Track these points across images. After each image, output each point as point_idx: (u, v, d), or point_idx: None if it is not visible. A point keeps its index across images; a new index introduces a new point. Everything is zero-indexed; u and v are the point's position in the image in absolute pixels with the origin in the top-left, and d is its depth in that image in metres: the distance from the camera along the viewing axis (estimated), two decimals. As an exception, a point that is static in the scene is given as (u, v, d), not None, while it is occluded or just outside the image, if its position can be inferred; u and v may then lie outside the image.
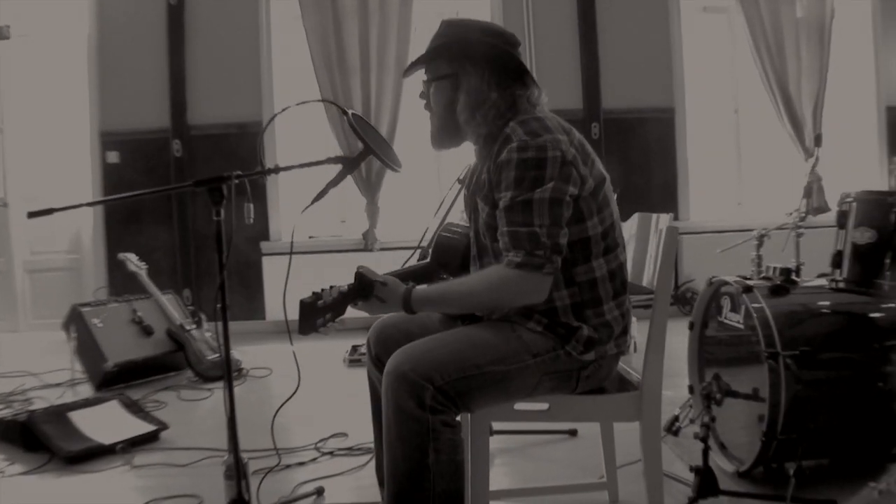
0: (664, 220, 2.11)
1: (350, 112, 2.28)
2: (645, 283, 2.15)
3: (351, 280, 1.99)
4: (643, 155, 6.01)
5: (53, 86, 6.03)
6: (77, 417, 3.22)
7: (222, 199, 2.29)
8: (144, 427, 3.30)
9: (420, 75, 2.16)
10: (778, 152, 6.25)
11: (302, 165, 2.36)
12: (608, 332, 1.97)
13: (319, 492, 2.73)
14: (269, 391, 4.22)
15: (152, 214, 5.66)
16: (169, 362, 4.44)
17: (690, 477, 2.47)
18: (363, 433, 3.27)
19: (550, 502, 2.56)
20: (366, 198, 5.80)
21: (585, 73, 6.01)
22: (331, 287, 1.92)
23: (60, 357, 4.48)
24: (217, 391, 4.17)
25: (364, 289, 1.92)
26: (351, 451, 3.15)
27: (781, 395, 2.41)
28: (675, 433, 3.13)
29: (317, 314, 1.87)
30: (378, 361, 2.26)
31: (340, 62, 5.73)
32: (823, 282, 2.64)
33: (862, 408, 2.54)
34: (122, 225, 5.62)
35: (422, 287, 1.96)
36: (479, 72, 2.01)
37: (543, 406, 2.01)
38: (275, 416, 2.51)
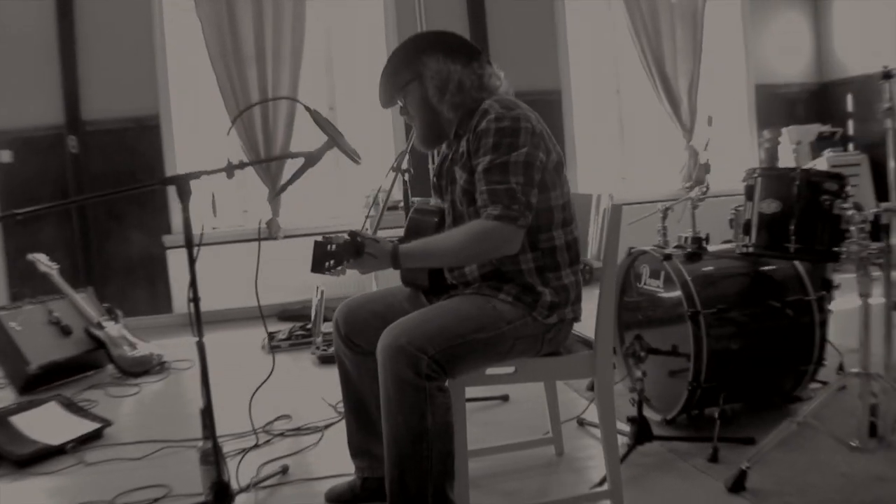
0: (605, 199, 2.36)
1: (312, 109, 2.41)
2: (589, 256, 2.39)
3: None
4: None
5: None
6: (19, 421, 3.18)
7: (190, 195, 2.36)
8: (88, 425, 3.30)
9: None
10: (657, 130, 6.71)
11: (268, 160, 2.47)
12: (566, 296, 2.20)
13: (284, 470, 2.84)
14: (195, 382, 4.24)
15: (51, 213, 5.50)
16: (89, 361, 4.38)
17: (626, 428, 2.78)
18: (305, 415, 3.43)
19: (505, 459, 2.78)
20: (267, 187, 5.84)
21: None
22: (333, 234, 2.10)
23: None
24: (145, 386, 4.19)
25: (356, 246, 2.06)
26: (300, 430, 3.28)
27: (703, 348, 2.73)
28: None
29: (326, 257, 2.06)
30: (349, 341, 2.41)
31: (236, 52, 5.71)
32: (731, 247, 2.99)
33: (769, 356, 2.91)
34: (20, 224, 5.43)
35: (406, 243, 2.14)
36: (435, 57, 2.22)
37: (510, 370, 2.23)
38: (252, 399, 2.60)
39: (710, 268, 2.93)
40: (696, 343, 2.73)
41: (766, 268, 2.95)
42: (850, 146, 6.53)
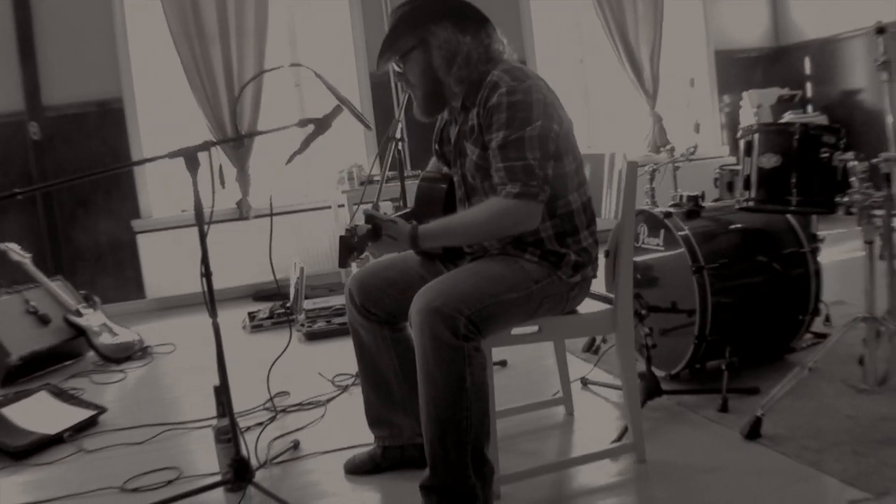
0: (619, 157, 2.37)
1: (317, 75, 2.37)
2: (604, 216, 2.41)
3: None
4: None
5: None
6: (11, 413, 3.08)
7: (198, 167, 2.31)
8: (83, 413, 3.22)
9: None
10: (621, 97, 6.77)
11: (276, 129, 2.42)
12: (587, 256, 2.22)
13: (296, 445, 2.82)
14: (179, 366, 4.18)
15: (14, 202, 5.31)
16: (70, 350, 4.28)
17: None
18: (304, 391, 3.40)
19: (519, 421, 2.80)
20: (235, 167, 5.74)
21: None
22: (356, 226, 2.06)
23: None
24: (130, 371, 4.11)
25: (376, 229, 2.04)
26: (302, 405, 3.25)
27: (708, 303, 2.79)
28: (595, 352, 3.48)
29: (351, 249, 2.03)
30: (364, 310, 2.39)
31: (199, 31, 5.58)
32: (729, 203, 3.04)
33: (768, 308, 2.97)
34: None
35: (425, 224, 2.12)
36: (444, 26, 2.16)
37: (533, 329, 2.24)
38: (270, 371, 2.58)
39: (710, 224, 2.98)
40: (702, 298, 2.78)
41: (762, 223, 3.01)
42: (809, 108, 6.67)
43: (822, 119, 6.35)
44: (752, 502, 2.11)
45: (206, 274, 2.37)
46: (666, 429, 2.62)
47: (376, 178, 5.54)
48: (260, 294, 5.62)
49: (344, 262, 2.07)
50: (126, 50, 5.59)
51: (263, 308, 5.00)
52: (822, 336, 3.21)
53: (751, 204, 2.72)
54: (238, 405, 3.18)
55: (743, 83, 6.85)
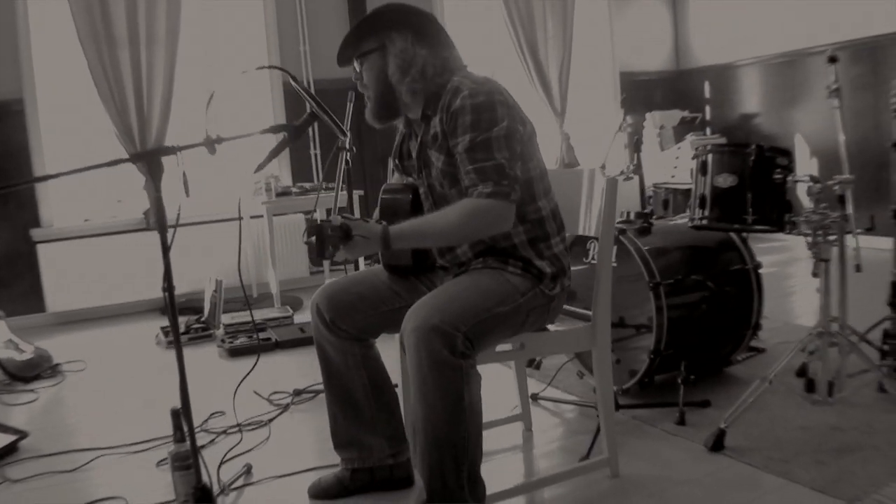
0: (598, 174, 2.39)
1: (293, 80, 2.28)
2: (581, 231, 2.42)
3: None
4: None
5: None
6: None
7: (163, 172, 2.16)
8: (1, 438, 2.96)
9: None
10: (531, 114, 6.85)
11: (247, 135, 2.30)
12: (561, 265, 2.21)
13: (248, 469, 2.68)
14: (94, 384, 3.92)
15: None
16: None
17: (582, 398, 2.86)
18: (240, 410, 3.23)
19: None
20: (143, 175, 5.46)
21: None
22: (329, 218, 2.00)
23: None
24: (42, 391, 3.81)
25: (345, 229, 1.97)
26: (241, 427, 3.10)
27: (664, 318, 2.85)
28: (537, 367, 3.49)
29: (326, 242, 1.95)
30: (334, 327, 2.30)
31: (107, 35, 5.26)
32: (680, 221, 3.13)
33: (716, 323, 3.07)
34: None
35: (396, 224, 2.06)
36: (403, 35, 2.14)
37: (509, 346, 2.22)
38: (235, 391, 2.45)
39: (661, 241, 3.06)
40: (658, 312, 2.84)
41: (709, 241, 3.12)
42: (708, 130, 6.99)
43: (722, 141, 6.66)
44: (732, 514, 2.16)
45: (168, 288, 2.21)
46: (630, 443, 2.65)
47: (294, 190, 5.42)
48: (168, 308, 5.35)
49: (321, 253, 1.96)
50: (28, 51, 5.19)
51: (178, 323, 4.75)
52: (757, 350, 3.35)
53: (705, 222, 2.80)
54: (162, 429, 3.05)
55: (645, 105, 7.11)
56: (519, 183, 2.07)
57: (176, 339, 2.20)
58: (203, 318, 4.70)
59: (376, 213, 2.36)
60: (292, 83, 2.29)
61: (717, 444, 2.51)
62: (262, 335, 4.38)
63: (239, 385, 2.48)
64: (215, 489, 2.41)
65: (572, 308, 2.40)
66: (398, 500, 2.40)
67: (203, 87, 5.69)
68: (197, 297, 5.30)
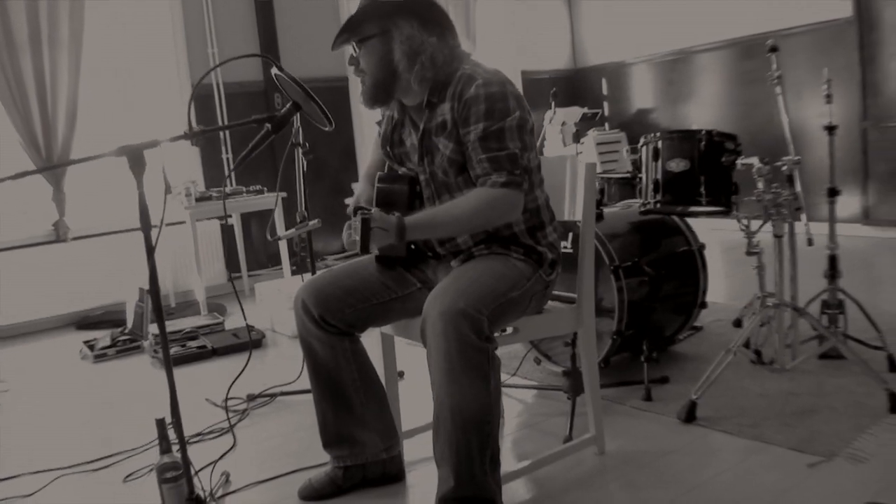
0: (580, 160, 2.46)
1: (273, 71, 2.24)
2: (568, 217, 2.48)
3: None
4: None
5: None
6: None
7: (145, 168, 2.07)
8: (-59, 467, 2.75)
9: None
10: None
11: (228, 126, 2.24)
12: (555, 252, 2.28)
13: (227, 477, 2.60)
14: (24, 401, 3.69)
15: None
16: None
17: (550, 382, 2.94)
18: (197, 418, 3.14)
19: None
20: (51, 185, 5.17)
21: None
22: (369, 209, 2.01)
23: None
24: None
25: (366, 221, 1.95)
26: (203, 436, 3.01)
27: (625, 300, 2.96)
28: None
29: (371, 236, 1.95)
30: (322, 322, 2.27)
31: (7, 39, 4.96)
32: (630, 205, 3.25)
33: (667, 302, 3.22)
34: None
35: (411, 216, 2.06)
36: (410, 22, 2.13)
37: (510, 330, 2.26)
38: (227, 394, 2.36)
39: (615, 226, 3.18)
40: (619, 294, 2.95)
41: (657, 224, 3.26)
42: (607, 126, 7.27)
43: (621, 136, 6.95)
44: (727, 478, 2.26)
45: (154, 291, 2.11)
46: (605, 421, 2.73)
47: (213, 194, 5.26)
48: (85, 322, 5.09)
49: (369, 244, 1.95)
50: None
51: (101, 336, 4.53)
52: (695, 328, 3.53)
53: (659, 205, 2.92)
54: (128, 441, 2.93)
55: (546, 102, 7.30)
56: (529, 173, 2.13)
57: (165, 351, 2.11)
58: (127, 330, 4.50)
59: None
60: (279, 72, 2.24)
61: (690, 415, 2.64)
62: (195, 343, 4.23)
63: (230, 388, 2.40)
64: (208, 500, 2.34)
65: (557, 292, 2.46)
66: (392, 495, 2.39)
67: (109, 93, 5.45)
68: (115, 309, 5.08)
